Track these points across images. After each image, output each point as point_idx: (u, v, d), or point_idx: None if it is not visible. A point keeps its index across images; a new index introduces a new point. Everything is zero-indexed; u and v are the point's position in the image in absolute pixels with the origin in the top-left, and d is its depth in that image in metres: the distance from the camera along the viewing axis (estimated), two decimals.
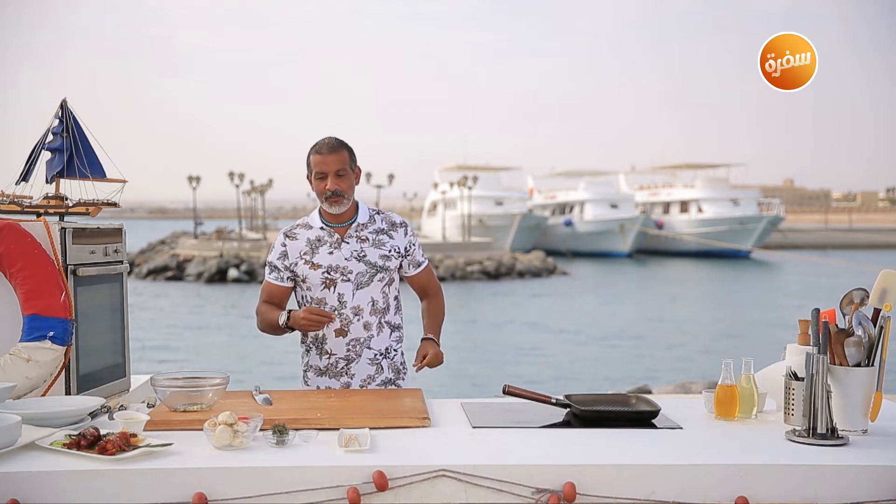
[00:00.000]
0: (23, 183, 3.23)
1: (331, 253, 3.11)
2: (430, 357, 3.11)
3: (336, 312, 3.10)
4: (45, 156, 3.26)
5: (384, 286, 3.15)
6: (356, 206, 3.19)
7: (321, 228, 3.15)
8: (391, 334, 3.19)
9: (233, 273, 31.98)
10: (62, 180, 3.26)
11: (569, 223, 50.83)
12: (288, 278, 3.18)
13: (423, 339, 3.22)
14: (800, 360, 2.49)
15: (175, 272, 33.29)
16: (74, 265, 3.05)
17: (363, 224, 3.16)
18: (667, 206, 53.11)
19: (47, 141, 3.23)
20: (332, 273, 3.10)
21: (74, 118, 3.25)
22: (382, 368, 3.16)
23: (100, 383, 3.20)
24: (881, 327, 2.44)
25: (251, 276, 31.69)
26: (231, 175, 43.67)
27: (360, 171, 3.18)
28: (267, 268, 3.23)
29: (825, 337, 2.40)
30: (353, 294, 3.10)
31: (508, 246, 43.58)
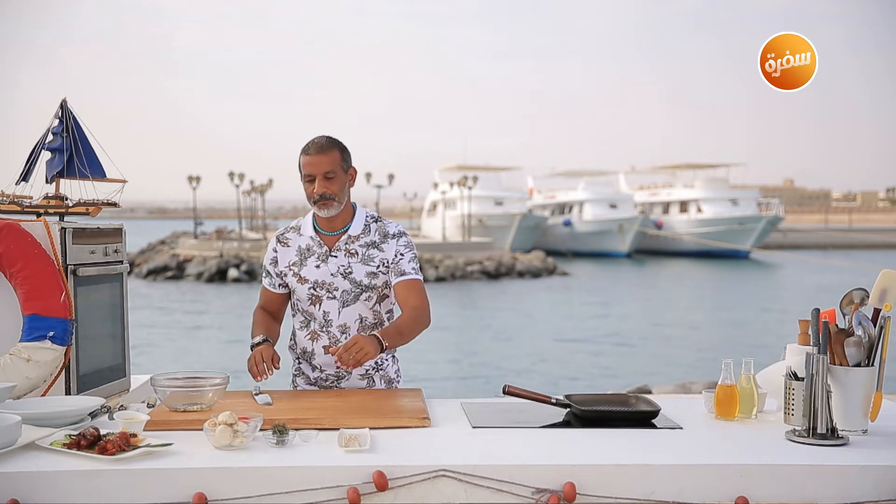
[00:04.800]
0: (23, 183, 3.23)
1: (318, 267, 2.97)
2: (356, 344, 2.70)
3: (324, 330, 2.99)
4: (45, 156, 3.26)
5: (374, 304, 3.00)
6: (352, 212, 3.02)
7: (311, 237, 3.00)
8: None
9: (233, 273, 31.98)
10: (62, 180, 3.26)
11: (568, 223, 50.83)
12: (280, 285, 3.07)
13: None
14: (800, 360, 2.49)
15: (175, 272, 33.30)
16: (74, 265, 3.05)
17: (354, 236, 2.98)
18: (666, 207, 53.10)
19: (47, 141, 3.23)
20: (318, 290, 2.97)
21: (74, 118, 3.24)
22: (374, 381, 3.06)
23: (100, 383, 3.20)
24: (881, 327, 2.44)
25: (251, 275, 31.70)
26: (231, 175, 43.68)
27: (354, 171, 2.98)
28: (263, 271, 3.13)
29: (825, 337, 2.40)
30: (339, 312, 2.97)
31: (508, 246, 43.58)
